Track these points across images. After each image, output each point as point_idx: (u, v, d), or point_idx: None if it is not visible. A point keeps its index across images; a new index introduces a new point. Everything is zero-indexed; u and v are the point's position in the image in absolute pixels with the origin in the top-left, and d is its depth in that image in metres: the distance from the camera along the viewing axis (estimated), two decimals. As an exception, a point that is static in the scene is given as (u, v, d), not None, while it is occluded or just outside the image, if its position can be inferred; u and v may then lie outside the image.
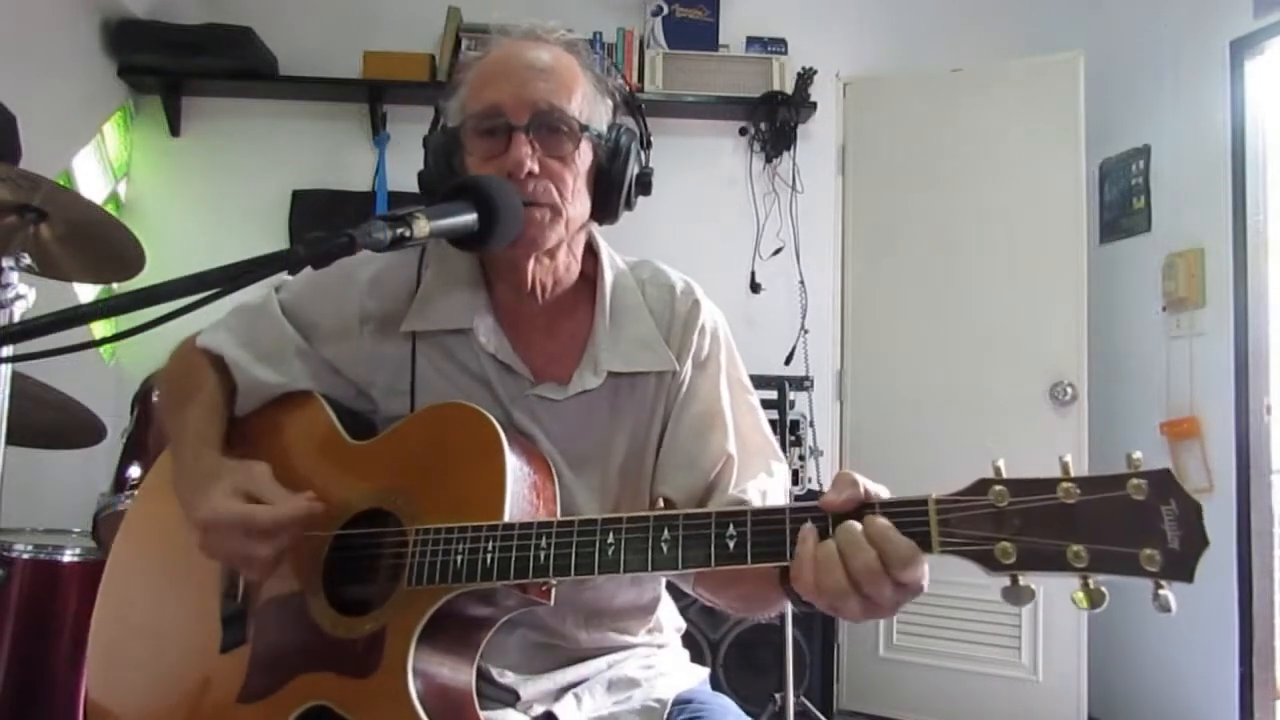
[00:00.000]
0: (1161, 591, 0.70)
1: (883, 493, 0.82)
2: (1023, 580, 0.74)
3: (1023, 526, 0.73)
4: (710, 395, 1.14)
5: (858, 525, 0.79)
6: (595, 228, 1.19)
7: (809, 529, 0.81)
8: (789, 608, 2.58)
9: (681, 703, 1.15)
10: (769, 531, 0.83)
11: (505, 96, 1.05)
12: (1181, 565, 0.69)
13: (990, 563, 0.74)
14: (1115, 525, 0.71)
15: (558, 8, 3.58)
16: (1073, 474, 0.73)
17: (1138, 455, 0.73)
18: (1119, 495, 0.71)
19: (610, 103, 1.13)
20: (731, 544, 0.84)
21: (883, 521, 0.78)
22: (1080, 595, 0.71)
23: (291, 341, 1.17)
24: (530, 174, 1.03)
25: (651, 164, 1.17)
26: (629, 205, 1.14)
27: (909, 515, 0.78)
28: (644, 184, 1.16)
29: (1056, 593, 3.14)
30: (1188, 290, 3.10)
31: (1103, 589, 0.71)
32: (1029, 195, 3.35)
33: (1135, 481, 0.71)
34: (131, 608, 1.16)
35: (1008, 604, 0.74)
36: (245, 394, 1.16)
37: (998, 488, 0.75)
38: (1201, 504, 0.70)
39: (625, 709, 1.12)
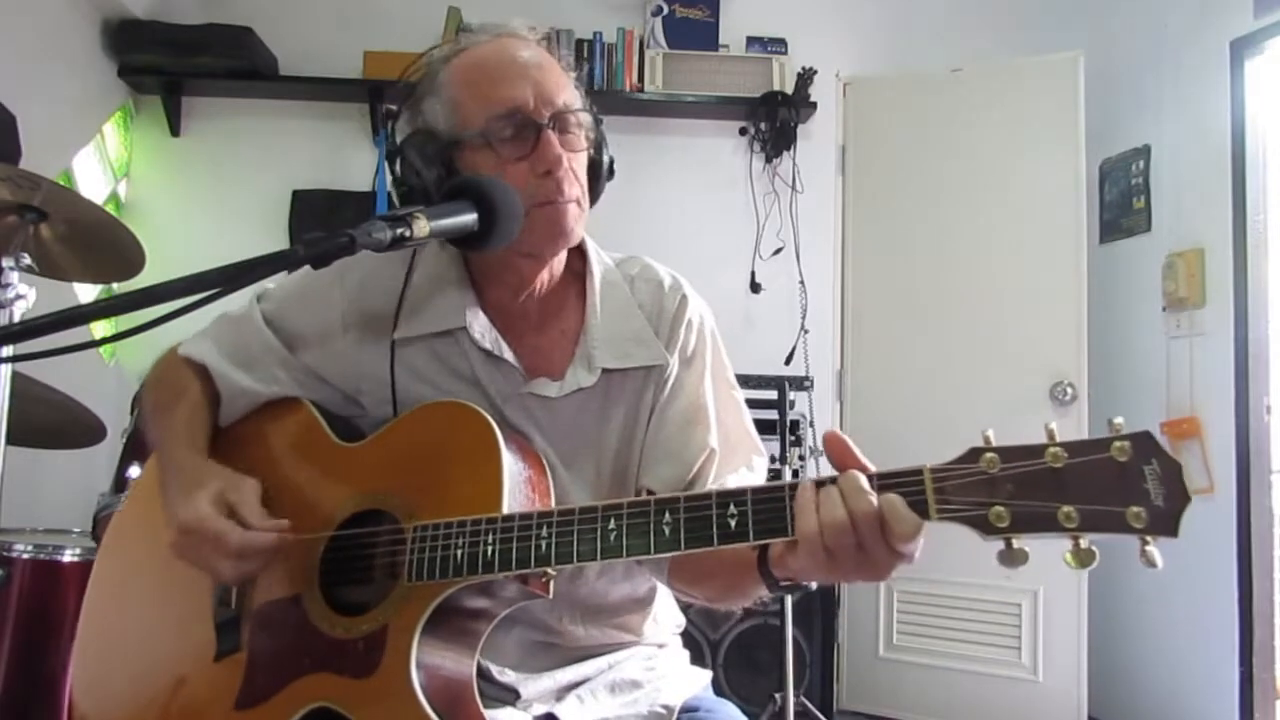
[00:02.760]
0: (1148, 548, 0.72)
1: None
2: (1017, 543, 0.76)
3: (1015, 491, 0.76)
4: (695, 390, 1.15)
5: (861, 476, 0.80)
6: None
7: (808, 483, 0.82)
8: (786, 602, 2.60)
9: (688, 710, 1.15)
10: (770, 508, 0.83)
11: (524, 95, 1.05)
12: (1166, 521, 0.72)
13: (985, 527, 0.76)
14: (1102, 486, 0.74)
15: (558, 8, 3.61)
16: (1059, 440, 0.76)
17: (1119, 420, 0.76)
18: (1103, 458, 0.74)
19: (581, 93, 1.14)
20: (733, 523, 0.84)
21: (894, 496, 0.79)
22: (1070, 556, 0.74)
23: (274, 351, 1.17)
24: (566, 170, 1.05)
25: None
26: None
27: (906, 485, 0.79)
28: (612, 170, 1.17)
29: (1057, 594, 3.16)
30: (1188, 290, 3.10)
31: (1093, 549, 0.74)
32: (1029, 195, 3.35)
33: (1118, 444, 0.74)
34: (120, 616, 1.15)
35: (1003, 566, 0.77)
36: (228, 402, 1.16)
37: (989, 455, 0.77)
38: (1181, 464, 0.73)
39: (631, 713, 1.12)
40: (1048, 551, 0.77)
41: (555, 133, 1.05)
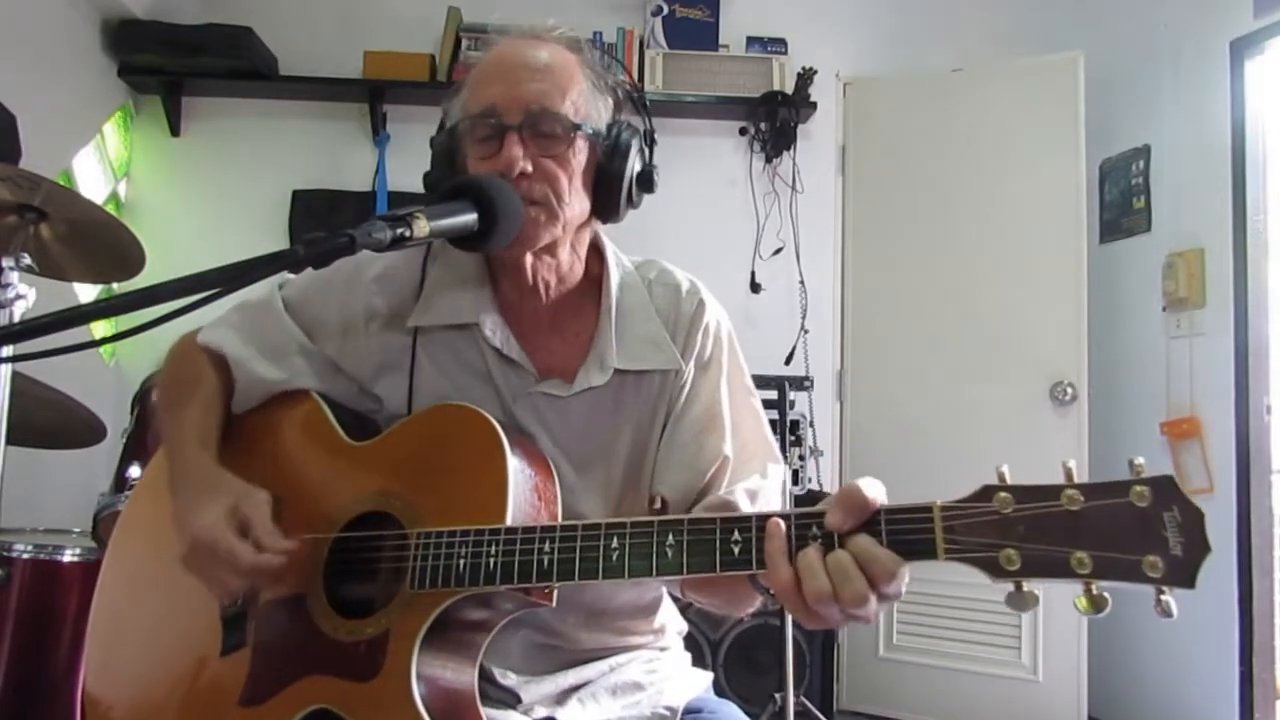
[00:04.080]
0: (1164, 598, 0.70)
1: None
2: (1027, 586, 0.74)
3: (1027, 533, 0.73)
4: (711, 396, 1.14)
5: (848, 556, 0.78)
6: (600, 227, 1.18)
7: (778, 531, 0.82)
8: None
9: (691, 711, 1.15)
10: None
11: (499, 97, 1.05)
12: (1183, 572, 0.70)
13: (995, 570, 0.74)
14: (1118, 532, 0.71)
15: (557, 8, 3.58)
16: (1076, 480, 0.74)
17: (1140, 461, 0.73)
18: (1122, 502, 0.72)
19: (611, 100, 1.12)
20: (736, 549, 0.83)
21: (869, 543, 0.78)
22: (1083, 601, 0.72)
23: (294, 339, 1.16)
24: (524, 174, 1.03)
25: (655, 161, 1.16)
26: (631, 203, 1.13)
27: (913, 522, 0.78)
28: (645, 181, 1.14)
29: (1057, 594, 3.15)
30: (1188, 290, 3.10)
31: (1105, 595, 0.72)
32: (1029, 195, 3.35)
33: (1138, 488, 0.72)
34: (130, 608, 1.15)
35: (1012, 609, 0.75)
36: (244, 391, 1.16)
37: (1002, 494, 0.75)
38: (1204, 511, 0.71)
39: (633, 715, 1.12)
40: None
41: (526, 136, 1.04)
